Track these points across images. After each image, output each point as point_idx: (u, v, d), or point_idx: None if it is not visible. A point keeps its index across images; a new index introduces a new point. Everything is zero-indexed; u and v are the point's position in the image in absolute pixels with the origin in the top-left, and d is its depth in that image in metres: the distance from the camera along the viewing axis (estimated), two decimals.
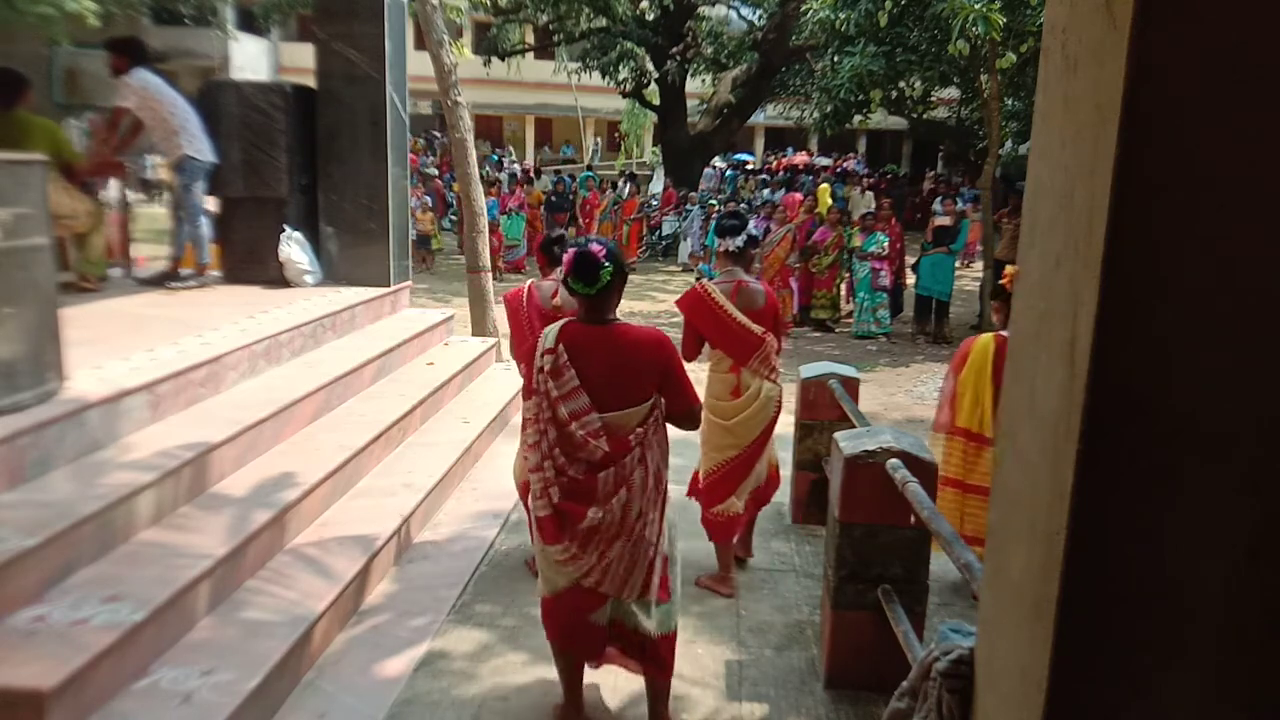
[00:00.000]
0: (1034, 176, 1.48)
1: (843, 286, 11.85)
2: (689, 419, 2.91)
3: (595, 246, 2.76)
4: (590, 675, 3.13)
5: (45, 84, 13.37)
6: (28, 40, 14.08)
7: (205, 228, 6.32)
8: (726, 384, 4.06)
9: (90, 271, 5.91)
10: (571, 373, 2.73)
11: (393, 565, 4.14)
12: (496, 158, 25.68)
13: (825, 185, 15.39)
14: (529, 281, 4.00)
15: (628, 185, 17.71)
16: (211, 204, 6.65)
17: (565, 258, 2.78)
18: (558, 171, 22.56)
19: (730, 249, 4.09)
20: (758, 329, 3.99)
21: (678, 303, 4.17)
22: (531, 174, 19.62)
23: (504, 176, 18.28)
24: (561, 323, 2.86)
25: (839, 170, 22.59)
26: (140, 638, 2.81)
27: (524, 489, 4.21)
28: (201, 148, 6.09)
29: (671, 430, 2.95)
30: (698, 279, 8.04)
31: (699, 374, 4.20)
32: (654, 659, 2.95)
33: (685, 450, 5.66)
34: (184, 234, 6.31)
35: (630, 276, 3.29)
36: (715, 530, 4.13)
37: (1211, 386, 1.21)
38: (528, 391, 3.06)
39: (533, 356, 2.90)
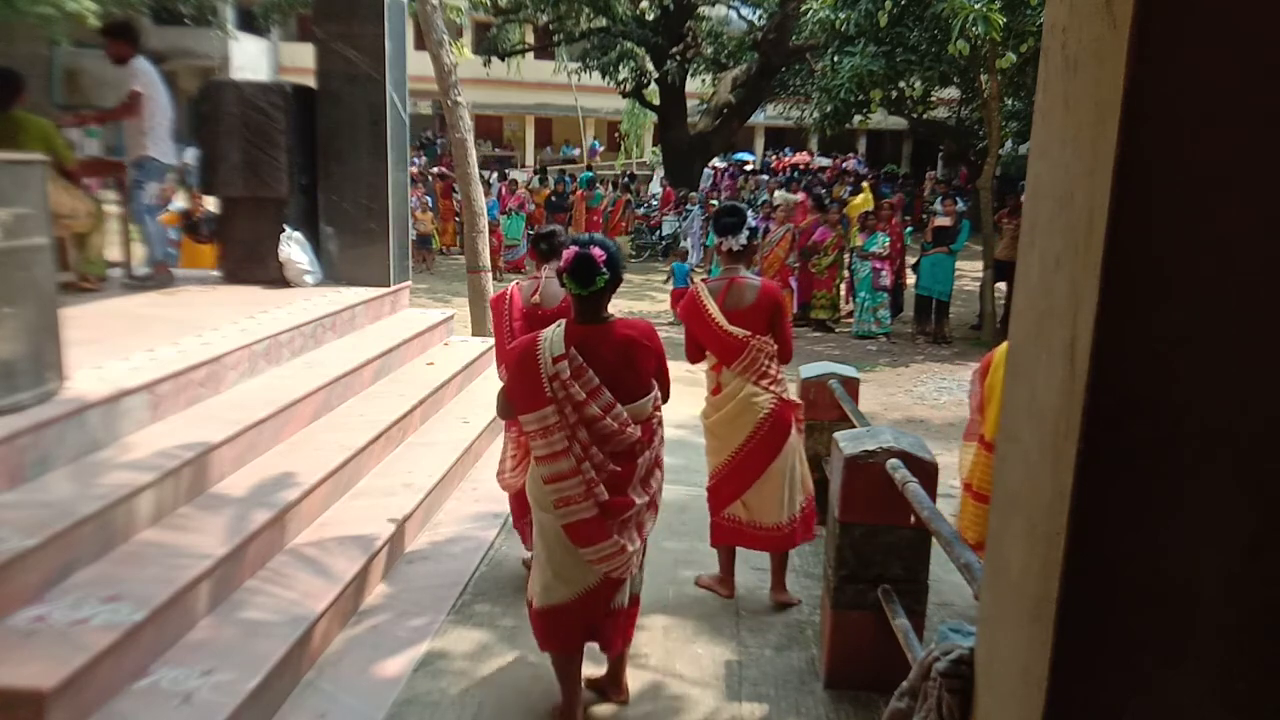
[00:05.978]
0: (1034, 176, 1.47)
1: (843, 286, 11.85)
2: (665, 395, 3.13)
3: (597, 250, 2.76)
4: (586, 675, 3.13)
5: (45, 84, 13.36)
6: (28, 40, 14.07)
7: (154, 225, 6.32)
8: (709, 380, 3.99)
9: (90, 271, 5.92)
10: (590, 372, 2.78)
11: (393, 565, 4.14)
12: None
13: (866, 184, 15.55)
14: (513, 283, 3.94)
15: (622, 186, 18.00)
16: (211, 204, 6.65)
17: (566, 254, 2.78)
18: (561, 171, 22.60)
19: (734, 248, 3.92)
20: (740, 333, 3.81)
21: (677, 309, 4.13)
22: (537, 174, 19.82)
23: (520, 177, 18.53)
24: (561, 326, 2.84)
25: (839, 170, 22.59)
26: (140, 638, 2.81)
27: (514, 501, 4.06)
28: (165, 150, 6.07)
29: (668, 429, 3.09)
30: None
31: (697, 372, 4.20)
32: (630, 622, 3.13)
33: (680, 450, 5.68)
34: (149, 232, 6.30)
35: (629, 276, 3.30)
36: (722, 533, 4.03)
37: (1212, 386, 1.20)
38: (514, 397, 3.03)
39: (514, 358, 2.87)
